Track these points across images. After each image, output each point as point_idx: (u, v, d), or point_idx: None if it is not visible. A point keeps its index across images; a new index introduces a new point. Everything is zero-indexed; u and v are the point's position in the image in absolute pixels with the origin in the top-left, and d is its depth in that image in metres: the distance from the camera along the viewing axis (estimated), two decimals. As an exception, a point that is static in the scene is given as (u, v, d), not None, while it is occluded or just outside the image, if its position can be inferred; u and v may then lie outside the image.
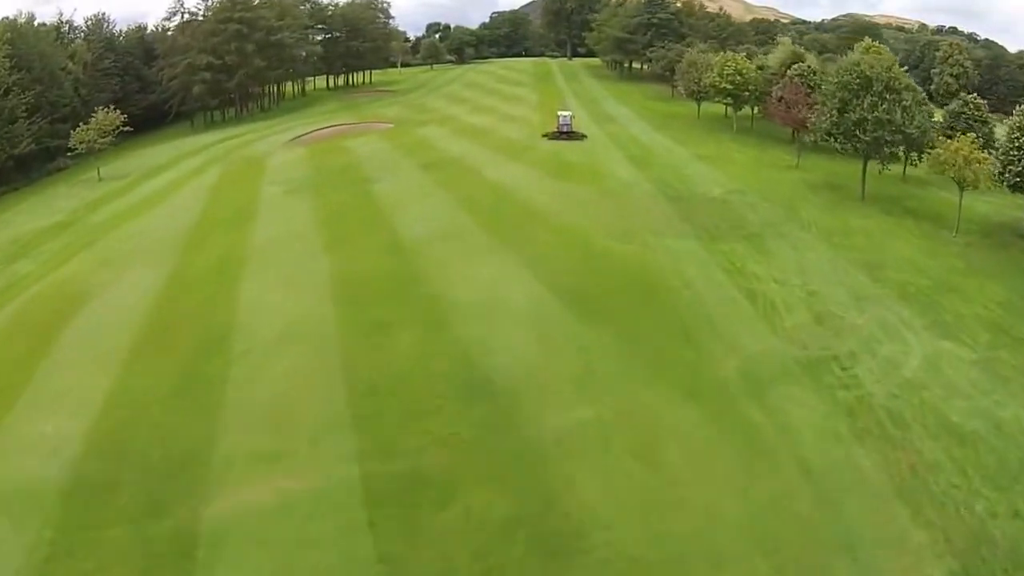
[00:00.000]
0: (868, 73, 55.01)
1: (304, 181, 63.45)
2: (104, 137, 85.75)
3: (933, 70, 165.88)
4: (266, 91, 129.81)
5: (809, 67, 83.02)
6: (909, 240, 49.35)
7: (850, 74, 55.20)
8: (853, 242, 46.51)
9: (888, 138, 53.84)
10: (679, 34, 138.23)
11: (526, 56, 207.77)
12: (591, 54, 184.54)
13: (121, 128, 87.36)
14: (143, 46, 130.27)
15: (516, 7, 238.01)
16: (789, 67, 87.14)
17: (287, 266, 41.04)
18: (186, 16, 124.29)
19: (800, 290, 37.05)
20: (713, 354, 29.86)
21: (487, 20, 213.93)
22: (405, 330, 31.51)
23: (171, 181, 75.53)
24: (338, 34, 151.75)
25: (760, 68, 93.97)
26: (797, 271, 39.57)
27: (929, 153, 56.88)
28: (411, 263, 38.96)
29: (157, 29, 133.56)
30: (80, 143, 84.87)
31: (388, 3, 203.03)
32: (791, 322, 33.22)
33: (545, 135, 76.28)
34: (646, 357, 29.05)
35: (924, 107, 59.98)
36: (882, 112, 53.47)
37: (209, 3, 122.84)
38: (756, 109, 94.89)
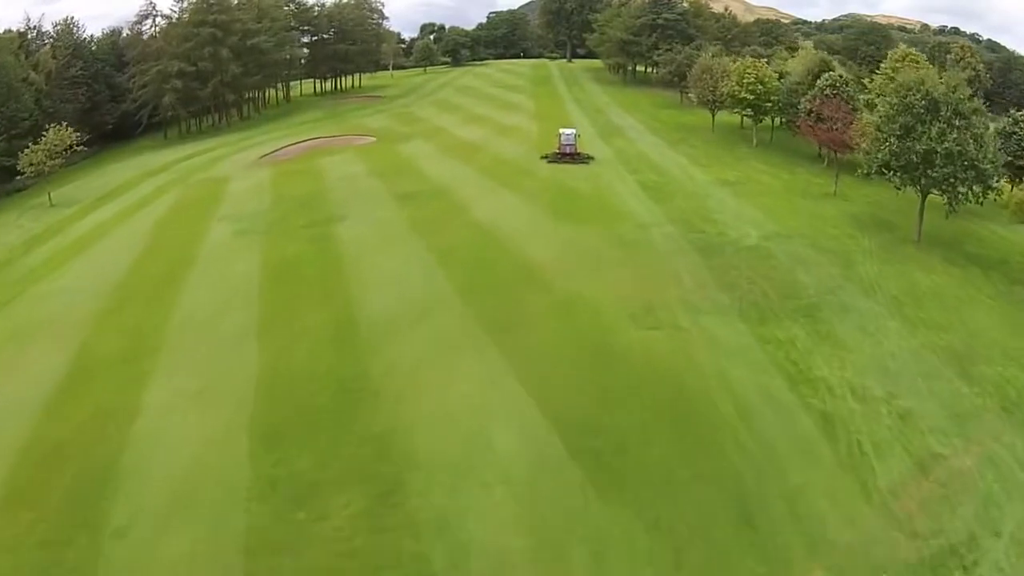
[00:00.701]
0: (935, 95, 44.62)
1: (259, 217, 53.21)
2: (54, 159, 75.47)
3: (945, 73, 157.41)
4: (246, 98, 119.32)
5: (841, 77, 72.55)
6: (987, 306, 39.42)
7: (914, 94, 44.75)
8: (928, 314, 36.33)
9: (961, 175, 43.51)
10: (686, 36, 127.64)
11: (524, 58, 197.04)
12: (591, 55, 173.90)
13: (75, 147, 77.00)
14: (117, 52, 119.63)
15: (515, 7, 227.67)
16: (816, 76, 76.78)
17: (205, 362, 30.89)
18: (158, 19, 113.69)
19: (887, 408, 26.91)
20: (788, 555, 19.62)
21: (484, 20, 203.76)
22: (340, 499, 21.41)
23: (118, 212, 65.19)
24: (326, 36, 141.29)
25: (781, 76, 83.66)
26: (877, 371, 29.41)
27: (994, 189, 46.72)
28: (361, 364, 28.90)
29: (132, 32, 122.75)
30: (29, 166, 74.64)
31: (382, 3, 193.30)
32: (887, 476, 23.08)
33: (545, 157, 65.81)
34: (691, 569, 18.80)
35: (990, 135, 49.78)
36: (952, 143, 43.15)
37: (183, 5, 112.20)
38: (777, 121, 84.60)
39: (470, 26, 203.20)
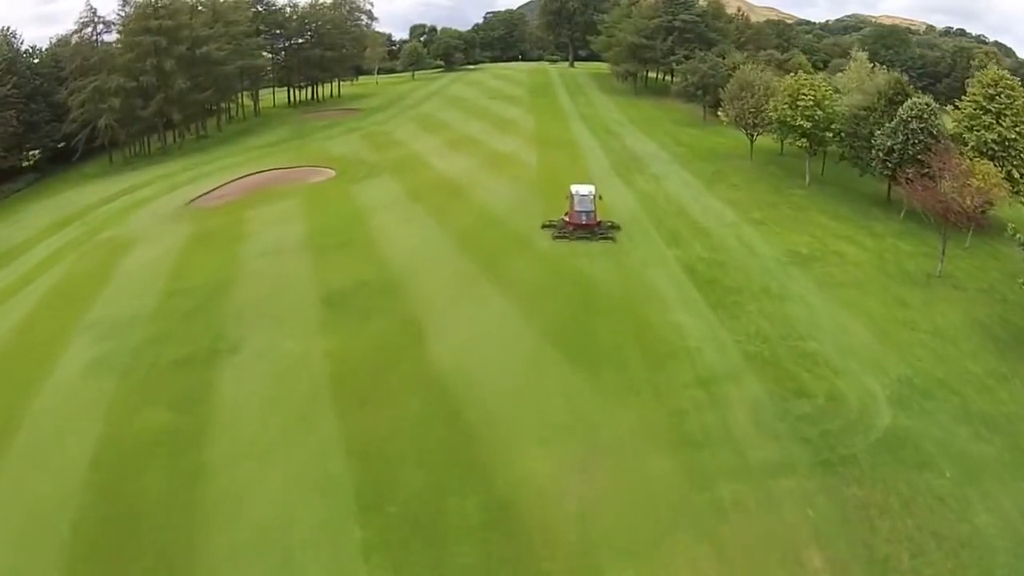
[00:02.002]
0: None
1: (131, 331, 35.38)
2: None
3: (967, 80, 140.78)
4: (212, 110, 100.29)
5: (928, 106, 53.82)
6: None
7: None
8: None
9: None
10: (706, 40, 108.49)
11: (522, 60, 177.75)
12: (592, 56, 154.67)
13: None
14: (61, 65, 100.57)
15: (513, 7, 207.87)
16: (891, 101, 58.10)
17: None
18: (99, 27, 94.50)
19: None
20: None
21: (480, 22, 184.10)
22: None
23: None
24: (300, 41, 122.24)
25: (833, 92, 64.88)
26: None
27: None
28: None
29: (78, 41, 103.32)
30: None
31: (371, 2, 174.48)
32: None
33: (549, 225, 45.44)
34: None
35: None
36: None
37: (128, 11, 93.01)
38: (823, 151, 65.77)
39: (469, 26, 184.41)
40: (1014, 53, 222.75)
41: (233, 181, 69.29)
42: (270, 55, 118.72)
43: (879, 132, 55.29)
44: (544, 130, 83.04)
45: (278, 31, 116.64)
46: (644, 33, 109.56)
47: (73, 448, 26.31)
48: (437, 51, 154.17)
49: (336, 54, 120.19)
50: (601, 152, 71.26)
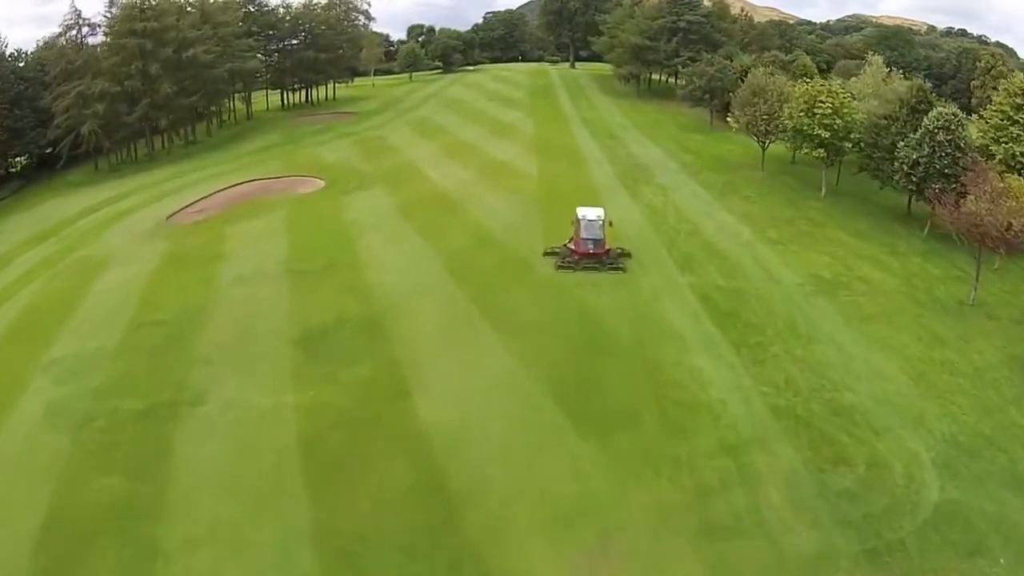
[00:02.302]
0: None
1: (93, 372, 31.86)
2: None
3: (973, 82, 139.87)
4: (200, 116, 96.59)
5: (955, 116, 50.29)
6: None
7: None
8: None
9: None
10: (711, 41, 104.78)
11: (522, 61, 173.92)
12: (593, 56, 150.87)
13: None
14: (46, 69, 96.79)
15: (513, 7, 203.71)
16: (914, 109, 54.63)
17: None
18: (84, 30, 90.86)
19: None
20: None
21: (479, 22, 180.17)
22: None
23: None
24: (295, 42, 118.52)
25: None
26: None
27: None
28: None
29: (64, 43, 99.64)
30: None
31: (368, 2, 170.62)
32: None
33: (552, 253, 41.13)
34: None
35: None
36: None
37: (115, 13, 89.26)
38: (839, 161, 62.07)
39: (468, 26, 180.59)
40: (1015, 53, 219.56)
41: (218, 192, 65.75)
42: (263, 57, 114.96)
43: (903, 144, 51.76)
44: (545, 135, 79.46)
45: (271, 32, 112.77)
46: (648, 34, 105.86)
47: (18, 522, 22.93)
48: (435, 52, 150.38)
49: (331, 56, 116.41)
50: (605, 160, 67.64)
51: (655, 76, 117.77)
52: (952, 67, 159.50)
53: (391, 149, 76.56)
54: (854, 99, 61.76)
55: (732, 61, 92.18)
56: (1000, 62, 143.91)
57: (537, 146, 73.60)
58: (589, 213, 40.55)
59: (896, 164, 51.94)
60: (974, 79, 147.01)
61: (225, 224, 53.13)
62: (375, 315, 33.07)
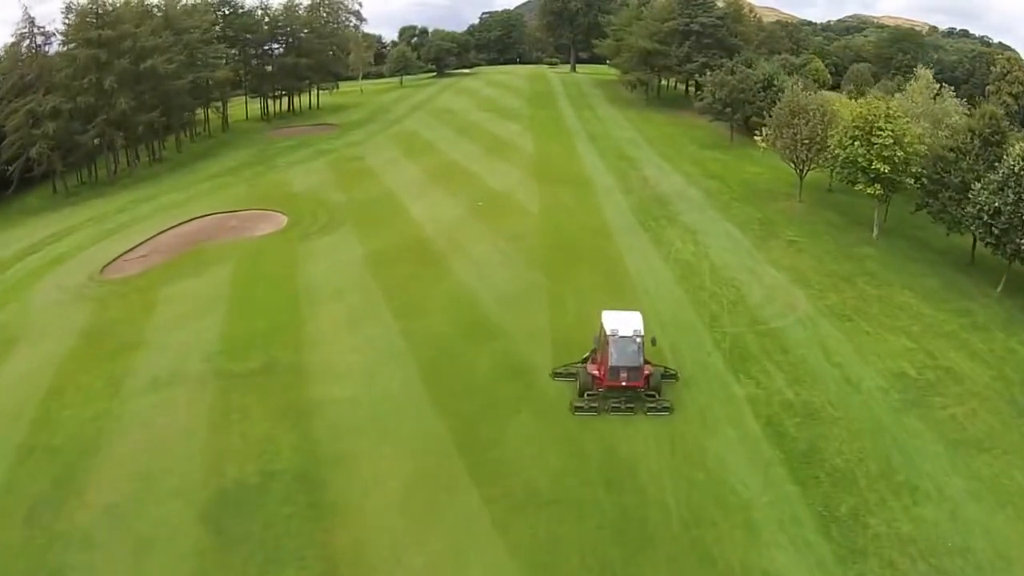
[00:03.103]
0: None
1: None
2: None
3: (988, 87, 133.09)
4: (168, 130, 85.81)
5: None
6: None
7: None
8: None
9: None
10: (727, 46, 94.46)
11: (520, 63, 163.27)
12: (594, 59, 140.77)
13: None
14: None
15: (511, 7, 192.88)
16: (984, 140, 44.83)
17: None
18: (39, 39, 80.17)
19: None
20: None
21: (475, 23, 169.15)
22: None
23: None
24: (277, 47, 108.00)
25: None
26: None
27: None
28: None
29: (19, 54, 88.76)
30: None
31: (360, 3, 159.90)
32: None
33: (565, 375, 28.82)
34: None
35: None
36: None
37: (72, 20, 78.52)
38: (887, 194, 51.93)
39: (465, 26, 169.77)
40: (1018, 55, 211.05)
41: (167, 231, 55.43)
42: (239, 62, 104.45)
43: (979, 186, 41.71)
44: (546, 155, 69.24)
45: (247, 36, 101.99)
46: (657, 37, 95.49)
47: None
48: (428, 55, 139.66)
49: (313, 61, 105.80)
50: (617, 188, 57.41)
51: (663, 81, 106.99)
52: (965, 71, 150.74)
53: (369, 173, 66.13)
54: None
55: (753, 68, 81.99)
56: (1016, 67, 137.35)
57: (538, 169, 63.38)
58: (621, 326, 27.35)
59: (970, 208, 42.07)
60: (988, 84, 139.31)
61: (160, 282, 42.80)
62: (315, 469, 22.84)
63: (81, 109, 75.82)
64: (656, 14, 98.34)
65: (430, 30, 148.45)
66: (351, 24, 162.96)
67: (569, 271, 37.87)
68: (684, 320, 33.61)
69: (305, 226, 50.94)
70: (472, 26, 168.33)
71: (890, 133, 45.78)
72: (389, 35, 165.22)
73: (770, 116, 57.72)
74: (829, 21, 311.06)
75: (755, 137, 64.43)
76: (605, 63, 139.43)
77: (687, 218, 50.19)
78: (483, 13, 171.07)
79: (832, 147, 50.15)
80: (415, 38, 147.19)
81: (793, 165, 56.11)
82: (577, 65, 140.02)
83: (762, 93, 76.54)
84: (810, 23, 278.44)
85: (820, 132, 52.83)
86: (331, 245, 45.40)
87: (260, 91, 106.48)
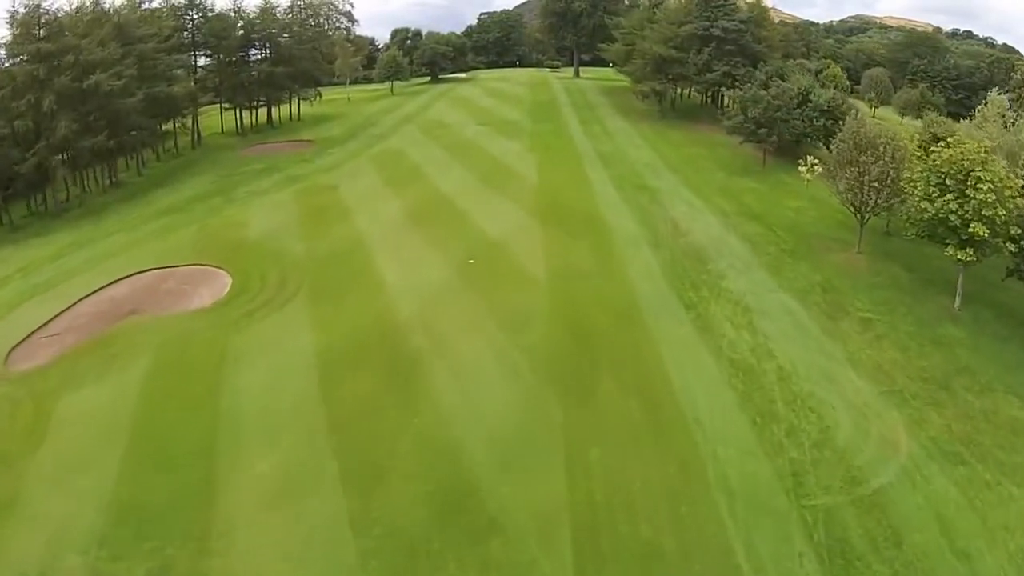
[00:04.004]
0: None
1: None
2: None
3: (1008, 95, 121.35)
4: (124, 151, 74.59)
5: None
6: None
7: None
8: None
9: None
10: (750, 53, 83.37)
11: (519, 66, 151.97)
12: (597, 61, 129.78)
13: None
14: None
15: (510, 7, 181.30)
16: None
17: None
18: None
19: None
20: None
21: (474, 24, 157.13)
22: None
23: None
24: (255, 54, 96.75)
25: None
26: None
27: None
28: None
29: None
30: None
31: (352, 4, 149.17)
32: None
33: None
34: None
35: None
36: None
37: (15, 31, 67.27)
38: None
39: (464, 27, 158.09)
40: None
41: (94, 294, 44.54)
42: (213, 72, 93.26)
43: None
44: (552, 186, 58.26)
45: (221, 39, 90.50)
46: (673, 43, 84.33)
47: None
48: (422, 59, 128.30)
49: (292, 69, 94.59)
50: (642, 238, 46.34)
51: (678, 91, 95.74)
52: (983, 77, 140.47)
53: (340, 211, 55.02)
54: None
55: (786, 80, 71.04)
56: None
57: (543, 206, 52.40)
58: None
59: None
60: (1008, 91, 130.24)
61: (64, 385, 31.97)
62: None
63: (20, 134, 64.90)
64: (671, 16, 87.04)
65: (424, 32, 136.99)
66: (342, 26, 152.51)
67: (590, 389, 27.21)
68: (758, 485, 22.91)
69: (250, 295, 40.02)
70: (470, 27, 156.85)
71: (991, 186, 34.85)
72: (386, 37, 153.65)
73: (807, 138, 46.96)
74: (832, 22, 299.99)
75: (800, 168, 53.75)
76: (609, 65, 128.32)
77: (734, 284, 39.30)
78: (481, 14, 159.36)
79: (909, 194, 39.41)
80: (409, 40, 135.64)
81: (853, 208, 45.31)
82: (581, 68, 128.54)
83: (798, 110, 65.79)
84: (813, 23, 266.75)
85: (891, 172, 42.03)
86: (275, 333, 34.46)
87: (235, 102, 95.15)
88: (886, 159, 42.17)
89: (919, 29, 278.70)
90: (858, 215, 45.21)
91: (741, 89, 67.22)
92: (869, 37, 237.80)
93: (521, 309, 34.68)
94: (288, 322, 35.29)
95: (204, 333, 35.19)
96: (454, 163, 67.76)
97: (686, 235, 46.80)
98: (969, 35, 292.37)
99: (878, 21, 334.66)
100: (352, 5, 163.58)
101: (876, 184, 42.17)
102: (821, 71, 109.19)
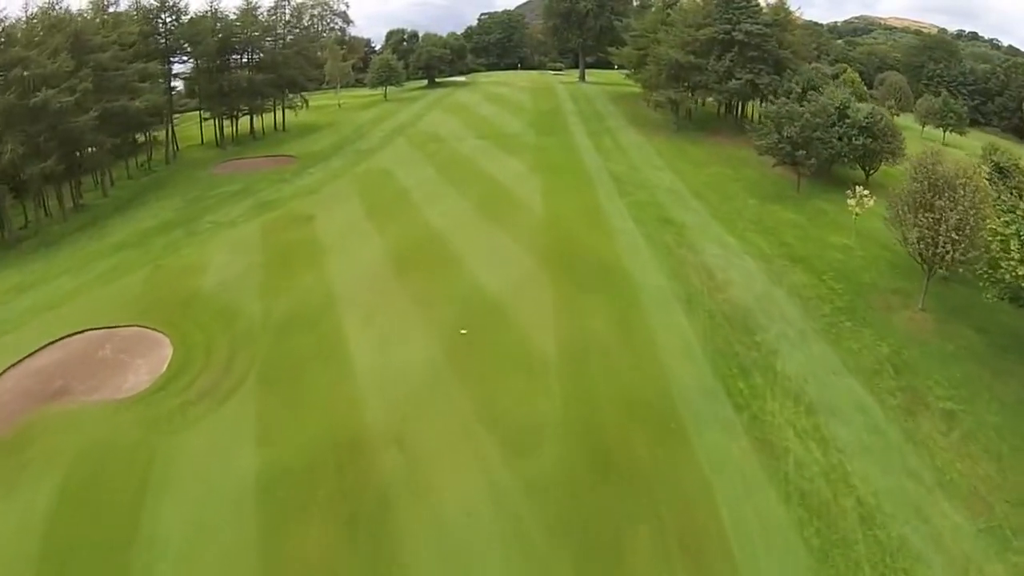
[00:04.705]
0: None
1: None
2: None
3: None
4: (80, 172, 66.66)
5: None
6: None
7: None
8: None
9: None
10: (775, 60, 75.21)
11: (521, 68, 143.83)
12: (600, 62, 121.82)
13: None
14: None
15: (511, 7, 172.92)
16: None
17: None
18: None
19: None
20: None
21: (474, 24, 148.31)
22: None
23: None
24: (239, 58, 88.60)
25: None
26: None
27: None
28: None
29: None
30: None
31: (347, 4, 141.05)
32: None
33: None
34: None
35: None
36: None
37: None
38: None
39: (466, 27, 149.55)
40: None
41: (16, 366, 36.55)
42: (192, 79, 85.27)
43: None
44: (561, 219, 50.26)
45: (196, 44, 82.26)
46: (691, 48, 76.14)
47: None
48: (418, 62, 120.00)
49: (274, 76, 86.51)
50: (671, 293, 38.34)
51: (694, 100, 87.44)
52: (999, 83, 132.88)
53: (312, 251, 46.88)
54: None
55: (820, 92, 62.94)
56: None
57: (551, 249, 44.32)
58: None
59: None
60: None
61: None
62: None
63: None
64: (687, 19, 78.72)
65: (421, 34, 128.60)
66: (336, 27, 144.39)
67: (618, 554, 19.38)
68: None
69: (191, 375, 32.15)
70: (470, 28, 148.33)
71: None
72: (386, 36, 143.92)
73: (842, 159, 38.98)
74: (836, 22, 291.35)
75: (848, 201, 45.92)
76: (615, 68, 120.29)
77: (790, 364, 31.36)
78: (482, 14, 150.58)
79: (995, 250, 31.52)
80: (404, 41, 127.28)
81: (920, 259, 37.34)
82: (585, 71, 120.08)
83: (835, 127, 57.77)
84: (816, 24, 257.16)
85: (971, 221, 34.08)
86: (210, 443, 26.56)
87: (216, 111, 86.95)
88: (965, 204, 34.14)
89: (924, 30, 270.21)
90: (925, 266, 37.22)
91: (772, 101, 58.95)
92: (874, 39, 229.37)
93: (525, 414, 26.74)
94: (228, 427, 27.36)
95: (130, 434, 27.37)
96: (447, 187, 59.72)
97: (724, 289, 38.78)
98: (975, 36, 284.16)
99: (882, 22, 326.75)
100: (347, 5, 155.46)
101: (955, 235, 34.12)
102: (837, 76, 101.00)
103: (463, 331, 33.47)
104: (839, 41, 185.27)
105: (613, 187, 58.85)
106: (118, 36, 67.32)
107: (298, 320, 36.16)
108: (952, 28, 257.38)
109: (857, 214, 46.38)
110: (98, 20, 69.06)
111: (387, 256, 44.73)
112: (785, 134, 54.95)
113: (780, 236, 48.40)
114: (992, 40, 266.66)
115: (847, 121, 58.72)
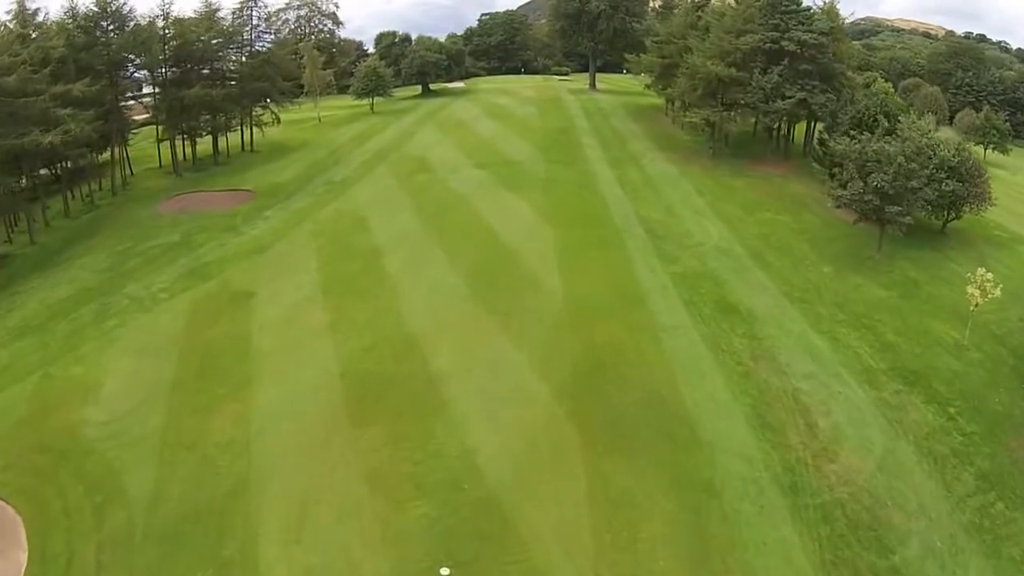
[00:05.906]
0: None
1: None
2: None
3: None
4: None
5: None
6: None
7: None
8: None
9: None
10: (828, 74, 61.59)
11: (524, 72, 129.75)
12: (610, 66, 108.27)
13: None
14: None
15: (513, 7, 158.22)
16: None
17: None
18: None
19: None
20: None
21: (474, 26, 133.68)
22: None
23: None
24: (203, 70, 74.68)
25: None
26: None
27: None
28: None
29: None
30: None
31: (336, 4, 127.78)
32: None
33: None
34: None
35: None
36: None
37: None
38: None
39: (466, 29, 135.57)
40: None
41: None
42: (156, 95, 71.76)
43: None
44: (585, 306, 36.92)
45: (142, 54, 68.41)
46: (730, 59, 62.30)
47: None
48: (411, 69, 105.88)
49: (234, 90, 72.86)
50: (762, 466, 25.69)
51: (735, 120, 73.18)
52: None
53: (238, 367, 33.32)
54: None
55: (904, 122, 49.28)
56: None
57: (573, 370, 31.48)
58: None
59: None
60: None
61: None
62: None
63: None
64: (725, 24, 64.76)
65: (414, 37, 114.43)
66: (325, 28, 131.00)
67: None
68: None
69: None
70: (470, 29, 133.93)
71: None
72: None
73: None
74: (843, 22, 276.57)
75: (968, 288, 32.86)
76: (623, 71, 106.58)
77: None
78: (482, 14, 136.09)
79: None
80: (394, 47, 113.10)
81: None
82: (596, 75, 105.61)
83: (928, 170, 44.32)
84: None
85: None
86: None
87: (173, 130, 73.04)
88: None
89: (931, 32, 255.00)
90: None
91: (853, 137, 45.26)
92: (882, 40, 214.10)
93: None
94: None
95: None
96: (433, 247, 46.17)
97: (835, 454, 25.59)
98: (983, 38, 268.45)
99: (890, 24, 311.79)
100: (337, 5, 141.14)
101: None
102: (868, 85, 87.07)
103: (444, 573, 20.08)
104: (856, 44, 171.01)
105: (650, 245, 45.42)
106: (31, 54, 53.42)
107: (193, 519, 22.87)
108: (959, 31, 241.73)
109: (977, 304, 33.35)
110: (9, 36, 55.21)
111: (340, 382, 31.27)
112: (873, 183, 41.19)
113: (876, 330, 35.16)
114: (1000, 42, 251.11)
115: (932, 161, 45.16)
